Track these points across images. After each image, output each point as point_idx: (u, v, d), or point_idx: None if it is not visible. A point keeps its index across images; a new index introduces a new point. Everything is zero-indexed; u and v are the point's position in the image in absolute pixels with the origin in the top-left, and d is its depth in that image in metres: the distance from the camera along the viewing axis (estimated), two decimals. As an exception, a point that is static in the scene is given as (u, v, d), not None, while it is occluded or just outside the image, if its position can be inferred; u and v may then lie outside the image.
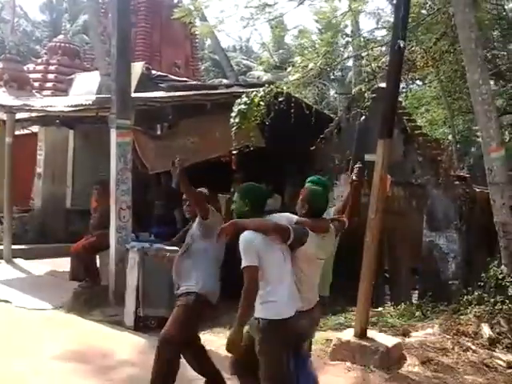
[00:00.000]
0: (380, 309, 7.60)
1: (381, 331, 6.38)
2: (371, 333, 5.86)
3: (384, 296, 8.37)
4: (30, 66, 22.44)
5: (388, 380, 5.27)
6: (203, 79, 24.76)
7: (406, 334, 6.45)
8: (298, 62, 8.66)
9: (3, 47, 28.01)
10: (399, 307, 7.50)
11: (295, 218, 3.87)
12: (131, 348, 6.02)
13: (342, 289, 6.61)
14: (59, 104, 8.95)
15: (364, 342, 5.62)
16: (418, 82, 18.48)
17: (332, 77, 24.56)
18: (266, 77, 24.22)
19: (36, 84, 20.68)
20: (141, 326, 6.64)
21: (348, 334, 5.82)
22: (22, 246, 10.82)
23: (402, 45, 5.66)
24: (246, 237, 3.62)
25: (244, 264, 3.57)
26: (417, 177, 8.16)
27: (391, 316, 7.23)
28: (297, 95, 9.22)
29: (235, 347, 3.56)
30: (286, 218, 3.86)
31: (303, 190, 4.09)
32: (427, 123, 15.82)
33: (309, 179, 4.50)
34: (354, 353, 5.60)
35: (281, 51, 30.02)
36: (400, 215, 8.27)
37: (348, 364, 5.57)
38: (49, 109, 9.12)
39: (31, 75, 21.02)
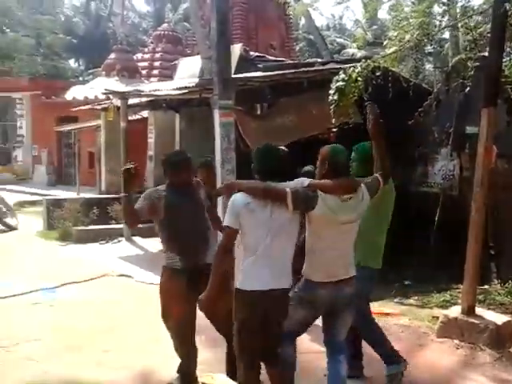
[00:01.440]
0: (486, 286, 7.10)
1: (488, 309, 5.91)
2: (479, 310, 5.44)
3: (490, 274, 7.80)
4: (139, 55, 23.13)
5: (498, 359, 4.88)
6: (298, 59, 24.40)
7: (515, 311, 5.97)
8: (394, 34, 8.17)
9: (115, 39, 28.96)
10: (507, 285, 6.96)
11: (307, 181, 3.40)
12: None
13: (445, 265, 6.23)
14: (165, 88, 9.05)
15: (472, 320, 5.22)
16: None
17: (428, 50, 23.44)
18: (359, 54, 23.49)
19: (144, 72, 21.31)
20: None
21: (455, 311, 5.44)
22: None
23: (508, 7, 5.14)
24: (233, 198, 3.38)
25: (224, 223, 3.41)
26: (523, 148, 7.49)
27: (499, 294, 6.70)
28: (393, 69, 8.75)
29: (204, 307, 3.54)
30: (296, 182, 3.42)
31: (321, 150, 3.60)
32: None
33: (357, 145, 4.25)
34: (461, 330, 5.22)
35: (374, 27, 29.04)
36: (505, 189, 7.66)
37: (456, 341, 5.21)
38: (157, 93, 9.26)
39: (139, 64, 21.68)
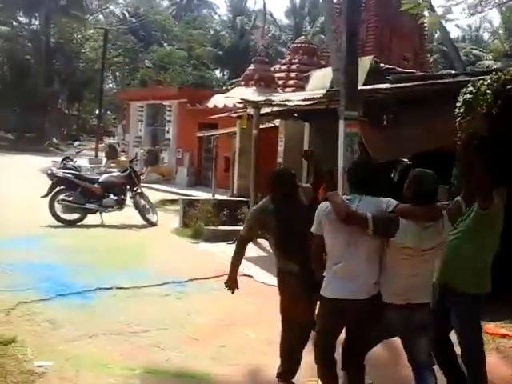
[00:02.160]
0: None
1: None
2: None
3: None
4: (276, 67, 23.53)
5: None
6: (431, 71, 23.44)
7: None
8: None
9: (256, 51, 29.84)
10: None
11: (394, 204, 3.34)
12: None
13: None
14: (294, 98, 9.12)
15: None
16: None
17: None
18: (495, 65, 22.08)
19: (280, 82, 21.62)
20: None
21: None
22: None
23: None
24: (319, 206, 3.53)
25: (311, 229, 3.56)
26: None
27: None
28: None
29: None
30: (385, 202, 3.38)
31: (410, 173, 3.55)
32: None
33: None
34: None
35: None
36: None
37: None
38: (286, 103, 9.37)
39: (276, 74, 22.04)
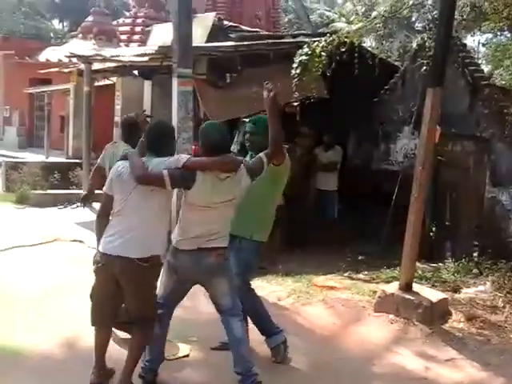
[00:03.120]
0: (440, 264, 7.23)
1: (432, 286, 6.10)
2: (417, 287, 5.57)
3: (445, 252, 7.95)
4: (120, 20, 22.72)
5: (430, 334, 5.02)
6: (285, 31, 24.14)
7: (456, 290, 6.11)
8: (362, 10, 8.21)
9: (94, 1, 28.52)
10: (458, 263, 7.10)
11: (184, 159, 3.52)
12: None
13: (401, 242, 6.32)
14: (127, 53, 8.97)
15: (408, 296, 5.34)
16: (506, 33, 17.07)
17: (418, 28, 23.28)
18: (347, 28, 23.28)
19: (124, 37, 20.96)
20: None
21: (393, 287, 5.56)
22: (100, 191, 10.99)
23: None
24: (115, 165, 3.68)
25: (103, 189, 3.73)
26: (481, 130, 7.57)
27: (447, 272, 6.86)
28: (364, 46, 8.75)
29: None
30: (174, 159, 3.57)
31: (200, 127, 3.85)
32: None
33: (248, 119, 4.47)
34: (397, 306, 5.34)
35: (366, 1, 28.70)
36: (463, 170, 7.78)
37: (391, 317, 5.33)
38: (118, 58, 9.17)
39: (121, 28, 21.30)
